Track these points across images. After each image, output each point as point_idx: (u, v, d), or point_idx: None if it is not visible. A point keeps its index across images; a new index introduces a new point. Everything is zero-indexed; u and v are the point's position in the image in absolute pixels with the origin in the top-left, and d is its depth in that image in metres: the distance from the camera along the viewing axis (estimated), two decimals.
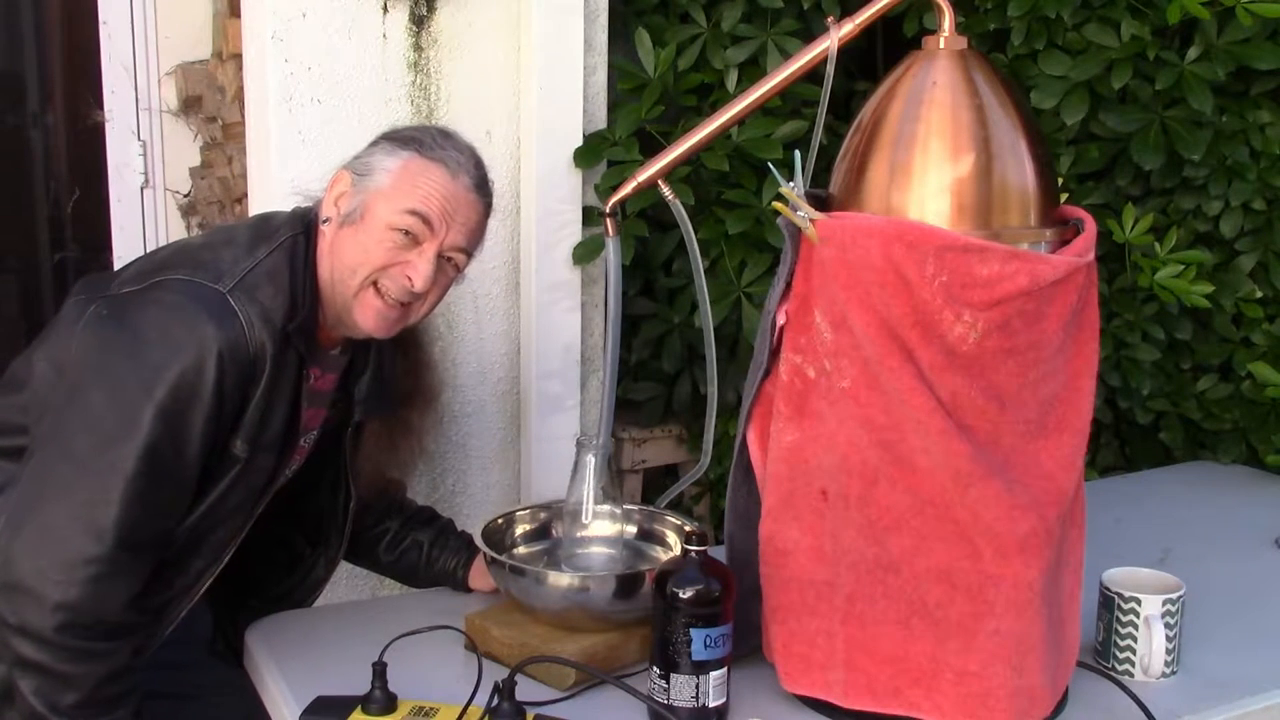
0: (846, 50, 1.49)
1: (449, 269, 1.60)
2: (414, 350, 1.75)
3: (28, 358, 1.56)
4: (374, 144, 1.61)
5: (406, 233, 1.53)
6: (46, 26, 3.17)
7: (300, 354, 1.54)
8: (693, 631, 1.35)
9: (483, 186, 1.61)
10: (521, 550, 1.72)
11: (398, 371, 1.72)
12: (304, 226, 1.58)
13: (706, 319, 1.65)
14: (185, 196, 3.17)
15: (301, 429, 1.59)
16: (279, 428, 1.54)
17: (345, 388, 1.67)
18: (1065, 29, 2.38)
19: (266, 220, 1.61)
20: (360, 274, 1.55)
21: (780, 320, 1.42)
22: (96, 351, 1.47)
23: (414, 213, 1.53)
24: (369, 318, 1.56)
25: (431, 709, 1.37)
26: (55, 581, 1.40)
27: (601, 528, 1.67)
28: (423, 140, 1.58)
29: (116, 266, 2.30)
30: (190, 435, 1.45)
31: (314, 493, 1.74)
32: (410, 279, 1.55)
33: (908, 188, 1.33)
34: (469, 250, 1.60)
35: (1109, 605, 1.54)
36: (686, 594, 1.36)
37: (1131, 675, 1.53)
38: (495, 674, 1.38)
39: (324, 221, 1.58)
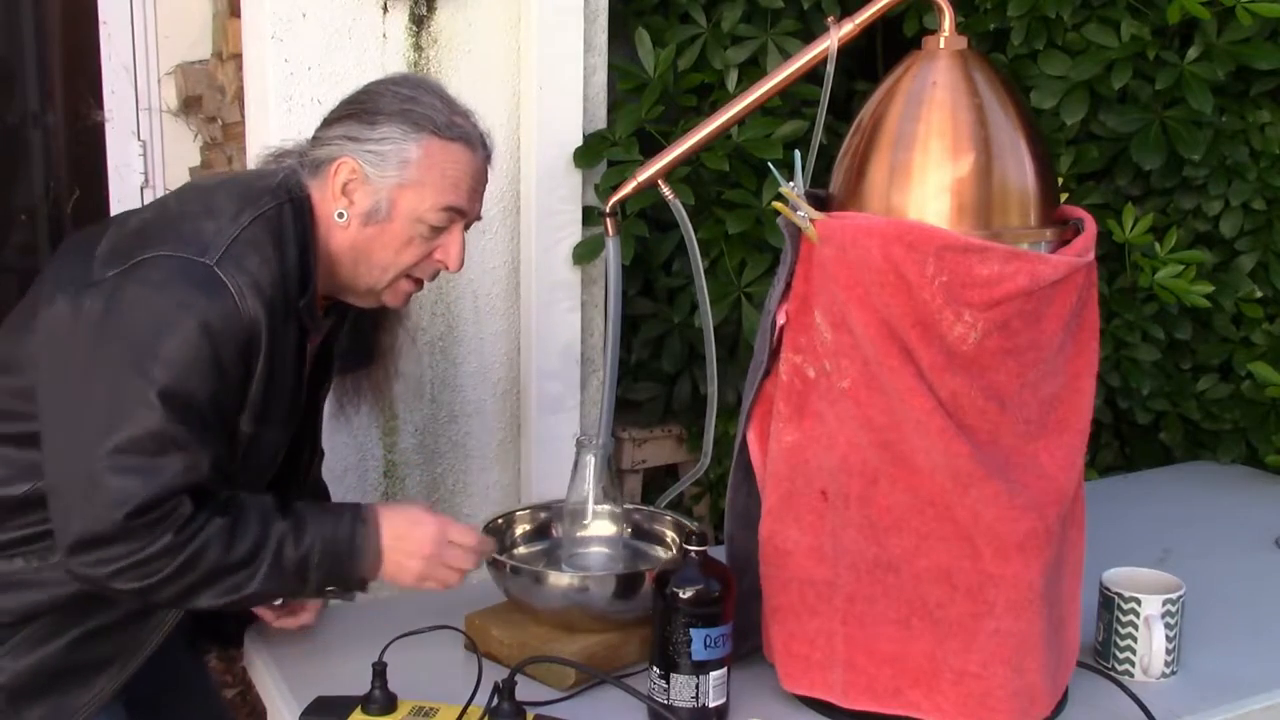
0: (846, 50, 1.49)
1: None
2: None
3: (17, 339, 1.49)
4: (372, 122, 1.51)
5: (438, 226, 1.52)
6: (46, 26, 3.17)
7: (305, 327, 1.50)
8: (693, 631, 1.35)
9: (487, 145, 1.58)
10: (521, 550, 1.72)
11: (369, 323, 1.70)
12: (289, 194, 1.50)
13: (706, 319, 1.65)
14: None
15: (304, 396, 1.57)
16: (285, 399, 1.50)
17: (325, 344, 1.65)
18: (1065, 29, 2.38)
19: (247, 185, 1.52)
20: (392, 271, 1.53)
21: (780, 320, 1.42)
22: (92, 343, 1.40)
23: (449, 209, 1.52)
24: (398, 299, 1.58)
25: (431, 709, 1.37)
26: (108, 520, 1.34)
27: (601, 528, 1.67)
28: (433, 118, 1.51)
29: None
30: (199, 410, 1.40)
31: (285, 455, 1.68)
32: (444, 263, 1.55)
33: (908, 188, 1.33)
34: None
35: (1109, 605, 1.54)
36: (686, 594, 1.35)
37: (1131, 675, 1.53)
38: (495, 674, 1.38)
39: (338, 216, 1.51)
